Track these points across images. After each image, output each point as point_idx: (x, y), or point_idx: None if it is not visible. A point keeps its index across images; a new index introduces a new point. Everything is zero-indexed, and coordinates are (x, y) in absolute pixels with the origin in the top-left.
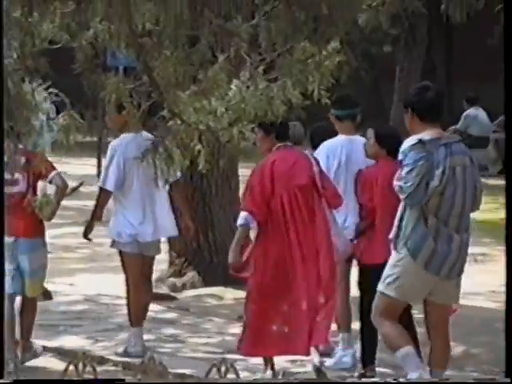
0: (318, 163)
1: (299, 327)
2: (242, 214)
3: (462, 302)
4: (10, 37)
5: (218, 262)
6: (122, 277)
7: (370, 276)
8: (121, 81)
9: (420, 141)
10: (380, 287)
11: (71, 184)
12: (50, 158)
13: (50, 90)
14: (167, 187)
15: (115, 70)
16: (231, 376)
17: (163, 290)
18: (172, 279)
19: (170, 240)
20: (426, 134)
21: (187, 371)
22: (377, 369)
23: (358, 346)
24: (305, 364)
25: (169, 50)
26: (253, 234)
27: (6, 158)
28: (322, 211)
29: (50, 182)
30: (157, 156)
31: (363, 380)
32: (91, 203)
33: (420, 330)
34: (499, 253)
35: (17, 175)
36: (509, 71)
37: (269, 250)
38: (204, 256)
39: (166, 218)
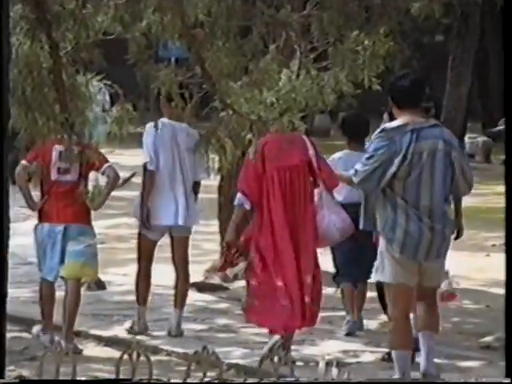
0: (314, 146)
1: (291, 304)
2: (238, 195)
3: None
4: (65, 29)
5: None
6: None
7: None
8: (173, 72)
9: (383, 130)
10: (376, 277)
11: (123, 175)
12: (103, 150)
13: (104, 81)
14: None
15: (167, 62)
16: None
17: (215, 280)
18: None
19: (221, 231)
20: (396, 122)
21: (240, 361)
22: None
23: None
24: (358, 355)
25: (221, 41)
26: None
27: (60, 148)
28: (311, 193)
29: (103, 174)
30: (209, 146)
31: (363, 380)
32: None
33: None
34: None
35: (69, 165)
36: (509, 71)
37: (263, 229)
38: None
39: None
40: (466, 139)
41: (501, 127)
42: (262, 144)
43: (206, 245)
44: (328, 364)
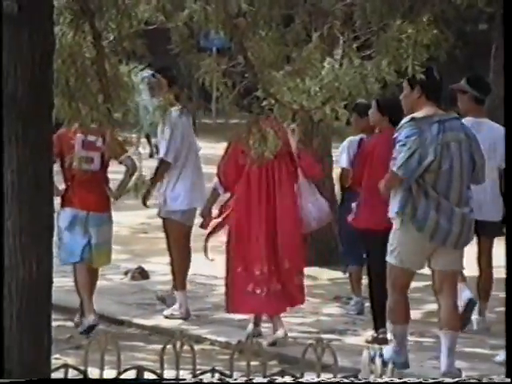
0: (294, 136)
1: (268, 289)
2: (214, 179)
3: None
4: (107, 19)
5: (312, 243)
6: (217, 257)
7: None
8: (215, 61)
9: (412, 118)
10: (386, 257)
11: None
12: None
13: (147, 71)
14: None
15: (209, 52)
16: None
17: None
18: None
19: None
20: (422, 112)
21: (283, 351)
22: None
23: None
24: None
25: (263, 31)
26: None
27: (83, 137)
28: (290, 180)
29: (120, 163)
30: (250, 136)
31: (363, 380)
32: None
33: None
34: None
35: (92, 154)
36: (509, 71)
37: (240, 216)
38: None
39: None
40: None
41: None
42: None
43: None
44: (372, 354)
